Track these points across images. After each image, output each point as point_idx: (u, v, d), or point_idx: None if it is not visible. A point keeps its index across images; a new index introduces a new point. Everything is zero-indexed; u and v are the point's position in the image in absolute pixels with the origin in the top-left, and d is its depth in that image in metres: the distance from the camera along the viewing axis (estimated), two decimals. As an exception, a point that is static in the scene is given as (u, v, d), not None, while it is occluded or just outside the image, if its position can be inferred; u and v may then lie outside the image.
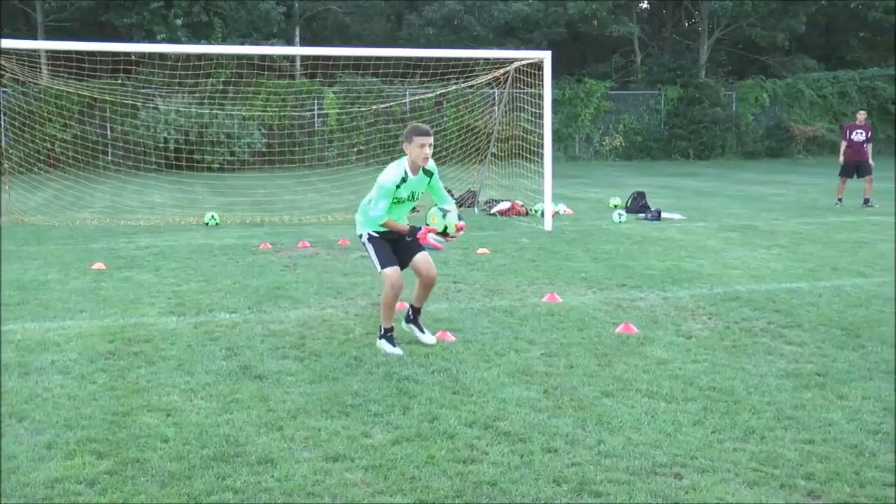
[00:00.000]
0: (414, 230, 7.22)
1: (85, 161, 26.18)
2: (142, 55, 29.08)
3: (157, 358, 7.04)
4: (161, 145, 29.69)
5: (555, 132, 30.28)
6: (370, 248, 7.32)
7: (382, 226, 7.21)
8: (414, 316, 7.61)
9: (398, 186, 7.14)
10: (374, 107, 31.82)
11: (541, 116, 16.84)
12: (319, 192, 21.69)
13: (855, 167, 20.26)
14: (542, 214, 16.19)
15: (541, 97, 16.77)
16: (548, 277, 10.69)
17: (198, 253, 12.73)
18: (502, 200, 18.40)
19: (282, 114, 32.30)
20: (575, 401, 6.03)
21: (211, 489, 4.62)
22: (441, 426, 5.51)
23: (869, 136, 20.62)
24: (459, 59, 20.45)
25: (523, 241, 13.94)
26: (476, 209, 18.60)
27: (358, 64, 28.58)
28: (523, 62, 17.73)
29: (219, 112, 30.52)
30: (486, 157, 19.93)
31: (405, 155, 7.24)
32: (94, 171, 25.36)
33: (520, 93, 19.17)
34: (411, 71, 25.35)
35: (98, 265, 11.41)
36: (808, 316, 8.62)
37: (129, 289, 9.96)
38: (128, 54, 26.48)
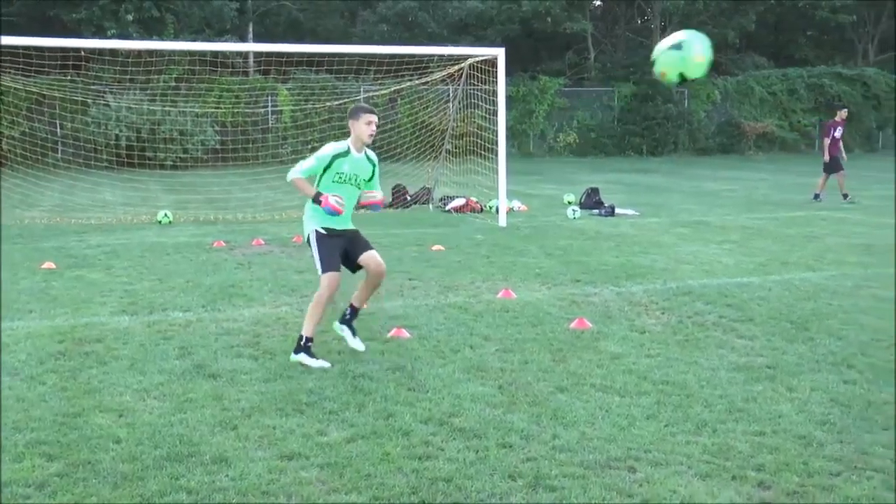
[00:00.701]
0: (318, 194, 6.91)
1: (34, 159, 25.75)
2: (92, 51, 28.67)
3: (108, 358, 6.95)
4: (112, 142, 29.25)
5: (509, 129, 30.35)
6: (315, 247, 7.07)
7: (292, 183, 7.10)
8: (350, 317, 7.31)
9: (337, 158, 7.02)
10: (329, 104, 31.61)
11: (495, 113, 16.88)
12: (274, 189, 21.50)
13: (838, 162, 20.43)
14: (497, 211, 16.24)
15: (495, 94, 16.81)
16: (502, 273, 10.72)
17: (151, 251, 12.59)
18: (457, 197, 18.42)
19: (235, 111, 32.03)
20: (530, 396, 6.06)
21: (164, 490, 4.57)
22: (396, 423, 5.51)
23: (844, 132, 21.08)
24: (413, 56, 20.42)
25: (478, 238, 13.96)
26: (431, 206, 18.60)
27: (312, 61, 28.39)
28: (477, 59, 17.75)
29: (171, 109, 30.18)
30: (440, 153, 19.93)
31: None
32: (43, 168, 24.95)
33: (474, 90, 19.19)
34: (365, 67, 25.28)
35: (48, 264, 11.23)
36: (759, 310, 8.74)
37: (80, 288, 9.82)
38: (77, 50, 26.10)
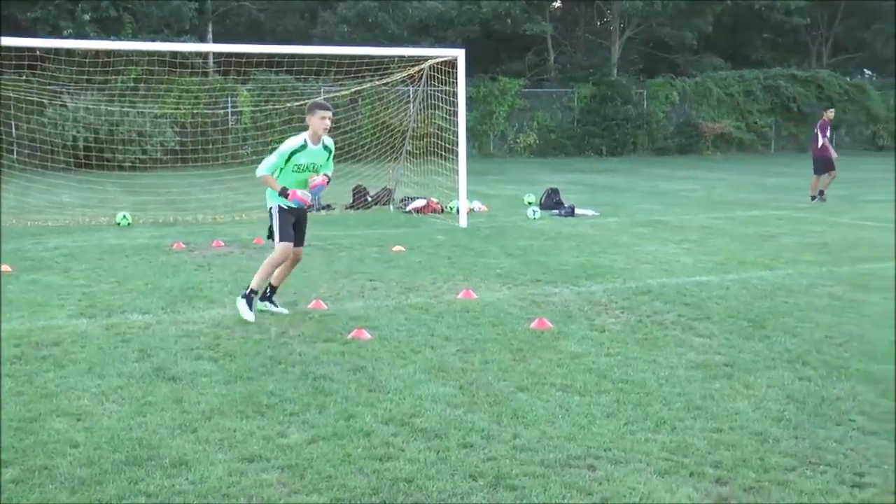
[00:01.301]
0: (285, 190, 8.12)
1: (-11, 160, 25.36)
2: (48, 51, 28.27)
3: (66, 361, 6.87)
4: (70, 143, 28.88)
5: (469, 130, 30.41)
6: (275, 218, 8.27)
7: (261, 179, 8.25)
8: (271, 294, 8.62)
9: (295, 153, 8.18)
10: (289, 104, 31.46)
11: (455, 114, 16.89)
12: (234, 190, 21.38)
13: (831, 162, 20.45)
14: (458, 211, 16.26)
15: (455, 95, 16.83)
16: (463, 274, 10.74)
17: (109, 253, 12.45)
18: (417, 198, 18.42)
19: (195, 111, 31.75)
20: (490, 396, 6.07)
21: (123, 494, 4.52)
22: (357, 424, 5.50)
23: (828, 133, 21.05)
24: (374, 57, 20.39)
25: (439, 239, 13.97)
26: (391, 207, 18.58)
27: (272, 61, 28.26)
28: (437, 60, 17.77)
29: (130, 110, 29.87)
30: (401, 154, 19.92)
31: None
32: (-1, 170, 24.58)
33: (434, 90, 19.20)
34: (326, 68, 25.17)
35: (3, 267, 11.04)
36: (717, 308, 8.83)
37: (37, 291, 9.69)
38: (32, 50, 25.72)
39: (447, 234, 14.51)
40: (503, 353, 7.15)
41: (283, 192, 8.10)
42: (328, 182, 8.43)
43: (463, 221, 15.70)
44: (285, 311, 8.53)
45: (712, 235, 14.26)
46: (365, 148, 22.85)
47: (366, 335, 7.65)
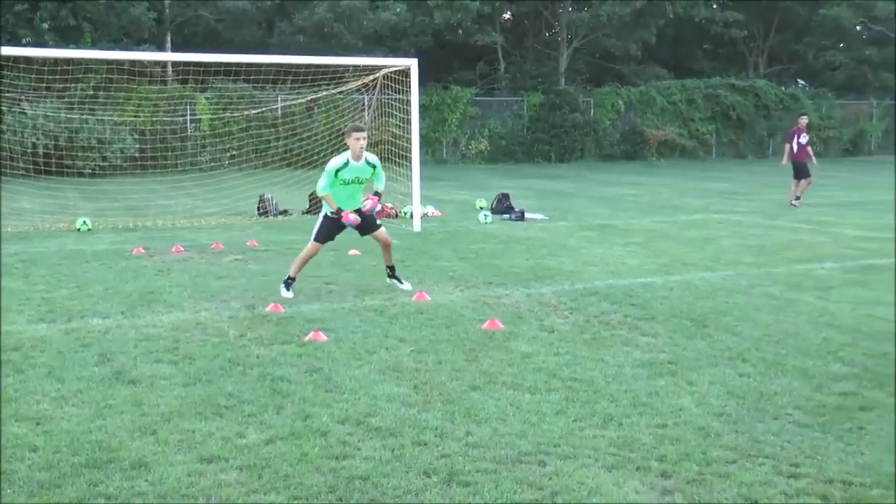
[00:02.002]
0: (339, 210, 9.19)
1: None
2: (6, 58, 27.76)
3: (25, 366, 6.74)
4: (29, 150, 28.33)
5: (423, 137, 30.45)
6: (319, 223, 9.44)
7: (322, 198, 9.34)
8: (391, 273, 9.82)
9: (341, 169, 9.15)
10: (246, 112, 31.25)
11: (409, 121, 16.88)
12: (193, 196, 21.19)
13: (806, 168, 20.55)
14: (411, 216, 16.24)
15: (409, 103, 16.81)
16: (417, 277, 10.72)
17: (69, 259, 12.25)
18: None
19: (154, 119, 31.35)
20: (444, 395, 6.07)
21: (82, 496, 4.45)
22: (314, 424, 5.46)
23: (810, 138, 21.05)
24: (329, 66, 20.32)
25: (393, 243, 13.91)
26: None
27: (230, 70, 27.99)
28: (391, 69, 17.74)
29: (89, 117, 29.40)
30: (357, 161, 19.83)
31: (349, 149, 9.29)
32: (-42, 177, 24.10)
33: (389, 98, 19.19)
34: (282, 77, 25.04)
35: (-37, 273, 10.84)
36: (661, 308, 8.91)
37: (-3, 296, 9.50)
38: (-8, 58, 25.23)
39: (401, 239, 14.48)
40: (456, 354, 7.15)
41: (338, 213, 9.22)
42: (379, 198, 9.67)
43: (417, 226, 15.68)
44: (408, 287, 9.64)
45: (657, 238, 14.39)
46: (321, 155, 22.75)
47: (322, 337, 7.61)
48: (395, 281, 9.79)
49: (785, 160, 20.72)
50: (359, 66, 19.66)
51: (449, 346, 7.37)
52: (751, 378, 6.50)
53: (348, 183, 9.27)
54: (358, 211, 9.38)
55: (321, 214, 9.53)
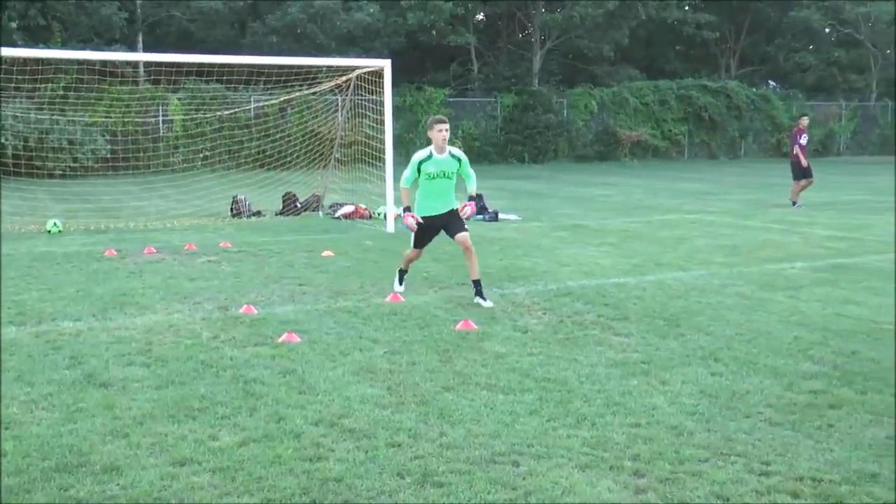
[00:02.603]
0: (407, 209, 9.11)
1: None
2: (-24, 60, 27.43)
3: (-5, 369, 6.67)
4: (-3, 151, 28.05)
5: (396, 138, 30.34)
6: (414, 231, 9.30)
7: (401, 191, 9.15)
8: (477, 290, 9.14)
9: (423, 162, 9.00)
10: (219, 113, 31.06)
11: (382, 122, 16.87)
12: (165, 197, 21.07)
13: (809, 169, 20.43)
14: (385, 217, 16.23)
15: (382, 104, 16.79)
16: (391, 278, 10.66)
17: (40, 261, 12.13)
18: (346, 204, 18.33)
19: (126, 120, 31.09)
20: (417, 396, 6.06)
21: (53, 501, 4.41)
22: (287, 426, 5.44)
23: (809, 139, 20.84)
24: (303, 67, 20.25)
25: (367, 244, 13.93)
26: (320, 213, 18.47)
27: (202, 70, 27.81)
28: (364, 70, 17.71)
29: (60, 118, 29.11)
30: (329, 161, 19.81)
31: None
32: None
33: (362, 100, 19.14)
34: (255, 78, 24.92)
35: (-69, 275, 10.71)
36: (635, 308, 8.95)
37: (-34, 299, 9.39)
38: (-39, 59, 24.93)
39: (375, 240, 14.47)
40: (430, 355, 7.14)
41: (405, 210, 9.13)
42: (474, 203, 9.42)
43: (390, 227, 15.67)
44: (489, 304, 9.00)
45: (630, 238, 14.46)
46: (294, 156, 22.68)
47: (296, 339, 7.58)
48: (479, 298, 9.10)
49: (804, 160, 20.48)
50: (332, 66, 19.60)
51: (423, 347, 7.37)
52: (723, 377, 6.54)
53: (433, 177, 9.05)
54: (452, 213, 9.24)
55: (414, 223, 9.23)
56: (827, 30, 54.29)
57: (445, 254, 12.72)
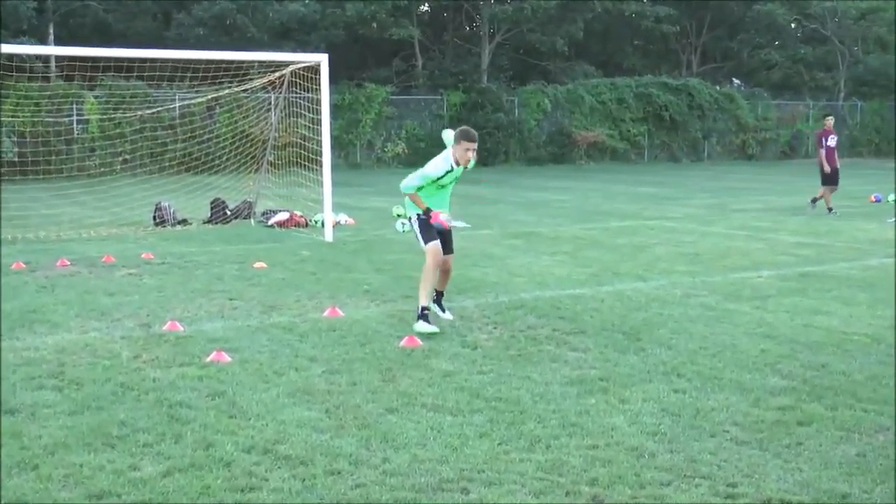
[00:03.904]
0: (428, 211, 8.59)
1: None
2: None
3: None
4: None
5: (335, 138, 30.26)
6: (415, 226, 8.81)
7: (409, 197, 8.77)
8: (437, 298, 9.03)
9: (442, 177, 8.66)
10: (140, 112, 30.67)
11: (319, 122, 16.80)
12: (81, 205, 20.76)
13: (837, 173, 20.40)
14: (323, 225, 16.16)
15: (319, 102, 16.72)
16: (329, 291, 10.67)
17: (-62, 275, 11.85)
18: (280, 211, 18.22)
19: (35, 120, 30.58)
20: (358, 419, 6.03)
21: (-46, 540, 4.31)
22: (217, 453, 5.37)
23: (837, 141, 20.81)
24: (232, 62, 20.10)
25: (303, 254, 13.85)
26: (252, 220, 18.34)
27: (121, 66, 27.49)
28: (300, 65, 17.65)
29: (-40, 117, 28.55)
30: (262, 165, 19.68)
31: (447, 149, 8.81)
32: None
33: (297, 97, 19.07)
34: (181, 74, 24.63)
35: None
36: (592, 321, 9.01)
37: None
38: None
39: (312, 249, 14.39)
40: (371, 373, 7.12)
41: (427, 213, 8.60)
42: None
43: (328, 235, 15.61)
44: (449, 316, 8.98)
45: (586, 246, 14.57)
46: (223, 159, 22.49)
47: (225, 358, 7.51)
48: (437, 307, 8.99)
49: (825, 165, 20.40)
50: (264, 61, 19.49)
51: (364, 366, 7.34)
52: (686, 394, 6.61)
53: (444, 186, 8.81)
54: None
55: (412, 218, 8.90)
56: (793, 25, 55.22)
57: (388, 264, 12.72)
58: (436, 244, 8.62)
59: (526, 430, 5.85)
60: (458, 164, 8.67)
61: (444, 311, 9.04)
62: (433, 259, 8.58)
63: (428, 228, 8.69)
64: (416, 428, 5.86)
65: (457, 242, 14.99)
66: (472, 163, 8.79)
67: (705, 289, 10.82)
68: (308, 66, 17.38)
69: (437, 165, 8.67)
